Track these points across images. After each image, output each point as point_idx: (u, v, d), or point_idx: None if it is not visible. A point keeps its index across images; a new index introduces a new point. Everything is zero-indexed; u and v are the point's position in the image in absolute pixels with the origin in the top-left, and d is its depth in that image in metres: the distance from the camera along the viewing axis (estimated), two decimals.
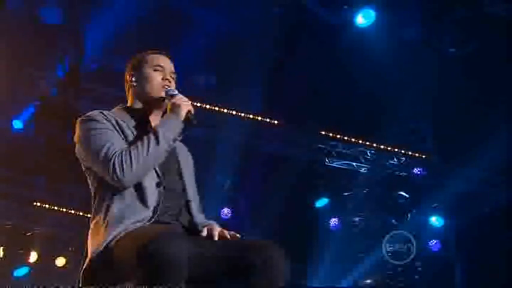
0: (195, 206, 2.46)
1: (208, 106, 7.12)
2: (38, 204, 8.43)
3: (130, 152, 2.24)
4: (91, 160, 2.32)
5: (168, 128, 2.33)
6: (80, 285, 2.24)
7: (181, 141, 2.49)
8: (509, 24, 6.19)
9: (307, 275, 8.41)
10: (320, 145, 8.12)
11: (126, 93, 2.60)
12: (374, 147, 8.14)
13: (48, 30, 6.39)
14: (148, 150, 2.25)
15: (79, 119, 2.40)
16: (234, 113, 7.34)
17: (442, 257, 8.35)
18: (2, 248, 8.84)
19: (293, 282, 2.20)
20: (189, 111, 2.39)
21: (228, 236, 2.31)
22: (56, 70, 6.83)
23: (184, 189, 2.45)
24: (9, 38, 6.17)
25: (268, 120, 7.64)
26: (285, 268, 2.18)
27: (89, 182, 2.43)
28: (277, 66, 6.95)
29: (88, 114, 2.39)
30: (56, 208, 8.54)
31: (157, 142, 2.27)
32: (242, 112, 7.39)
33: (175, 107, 2.39)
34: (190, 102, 2.43)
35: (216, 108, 7.23)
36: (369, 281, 8.49)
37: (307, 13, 6.64)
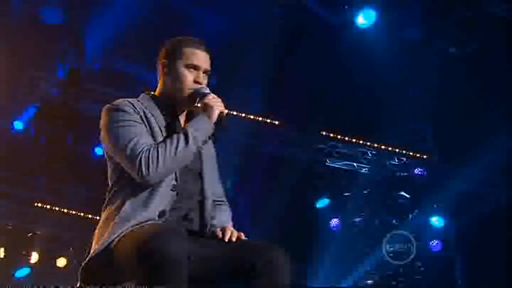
0: (210, 206, 2.42)
1: None
2: (39, 204, 8.43)
3: (158, 150, 2.18)
4: (117, 153, 2.26)
5: (198, 130, 2.26)
6: (79, 282, 2.22)
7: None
8: (509, 24, 6.19)
9: (307, 275, 8.40)
10: (320, 145, 8.11)
11: (158, 77, 2.50)
12: (374, 147, 8.13)
13: (49, 31, 6.39)
14: (176, 150, 2.19)
15: (106, 106, 2.33)
16: (234, 113, 7.33)
17: (442, 257, 8.34)
18: (3, 248, 8.85)
19: (293, 283, 2.19)
20: (221, 112, 2.32)
21: (242, 237, 2.31)
22: (56, 71, 6.84)
23: (201, 190, 2.40)
24: (10, 38, 6.17)
25: (268, 120, 7.64)
26: (287, 270, 2.17)
27: (108, 172, 2.37)
28: (278, 66, 6.94)
29: (116, 103, 2.32)
30: (56, 208, 8.53)
31: (186, 143, 2.21)
32: (242, 112, 7.39)
33: (208, 108, 2.31)
34: (222, 103, 2.36)
35: None
36: (369, 282, 8.48)
37: (307, 13, 6.63)
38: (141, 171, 2.16)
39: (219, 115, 2.32)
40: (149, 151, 2.18)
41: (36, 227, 8.95)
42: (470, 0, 6.27)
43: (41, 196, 8.39)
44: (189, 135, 2.23)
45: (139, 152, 2.17)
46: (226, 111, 2.35)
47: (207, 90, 2.40)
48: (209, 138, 2.33)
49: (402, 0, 6.57)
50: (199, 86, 2.41)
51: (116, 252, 2.12)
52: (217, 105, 2.33)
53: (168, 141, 2.22)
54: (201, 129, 2.27)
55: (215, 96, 2.38)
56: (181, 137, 2.23)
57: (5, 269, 8.77)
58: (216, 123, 2.31)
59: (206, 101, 2.34)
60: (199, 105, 2.38)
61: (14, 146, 7.28)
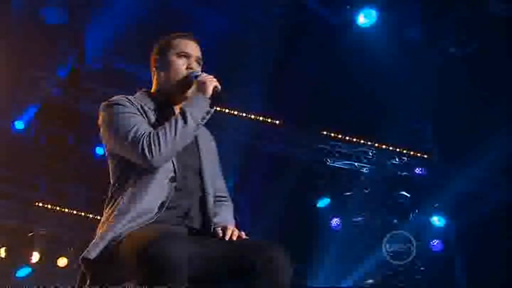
0: (211, 202, 2.42)
1: None
2: (40, 204, 8.44)
3: (158, 133, 2.20)
4: (118, 144, 2.28)
5: (195, 107, 2.28)
6: (79, 275, 2.23)
7: (204, 125, 2.41)
8: (509, 24, 6.19)
9: (307, 275, 8.39)
10: (321, 145, 8.11)
11: (152, 76, 2.54)
12: (375, 147, 8.13)
13: (49, 31, 6.39)
14: (176, 131, 2.21)
15: (104, 103, 2.37)
16: (235, 113, 7.33)
17: (443, 257, 8.33)
18: (4, 248, 8.85)
19: (293, 283, 2.19)
20: (215, 87, 2.33)
21: (243, 236, 2.31)
22: (56, 71, 6.84)
23: (202, 186, 2.40)
24: (11, 38, 6.17)
25: (269, 120, 7.64)
26: (288, 269, 2.17)
27: (110, 169, 2.39)
28: (278, 66, 6.94)
29: (113, 98, 2.36)
30: (57, 208, 8.55)
31: (185, 122, 2.23)
32: (243, 112, 7.39)
33: (201, 85, 2.33)
34: (215, 78, 2.36)
35: (217, 108, 7.21)
36: (369, 281, 8.47)
37: (307, 13, 6.64)
38: (145, 155, 2.18)
39: (214, 90, 2.32)
40: (150, 135, 2.21)
41: (37, 226, 8.95)
42: (470, 0, 6.27)
43: (41, 196, 8.40)
44: (187, 113, 2.25)
45: (141, 138, 2.20)
46: (219, 86, 2.34)
47: (199, 72, 2.42)
48: (208, 114, 2.31)
49: (402, 0, 6.57)
50: (191, 70, 2.43)
51: (117, 251, 2.12)
52: (210, 81, 2.34)
53: (167, 124, 2.24)
54: (197, 106, 2.28)
55: (207, 74, 2.39)
56: (179, 116, 2.25)
57: (6, 268, 8.78)
58: (212, 99, 2.31)
59: (199, 79, 2.37)
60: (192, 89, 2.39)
61: (14, 146, 7.28)
